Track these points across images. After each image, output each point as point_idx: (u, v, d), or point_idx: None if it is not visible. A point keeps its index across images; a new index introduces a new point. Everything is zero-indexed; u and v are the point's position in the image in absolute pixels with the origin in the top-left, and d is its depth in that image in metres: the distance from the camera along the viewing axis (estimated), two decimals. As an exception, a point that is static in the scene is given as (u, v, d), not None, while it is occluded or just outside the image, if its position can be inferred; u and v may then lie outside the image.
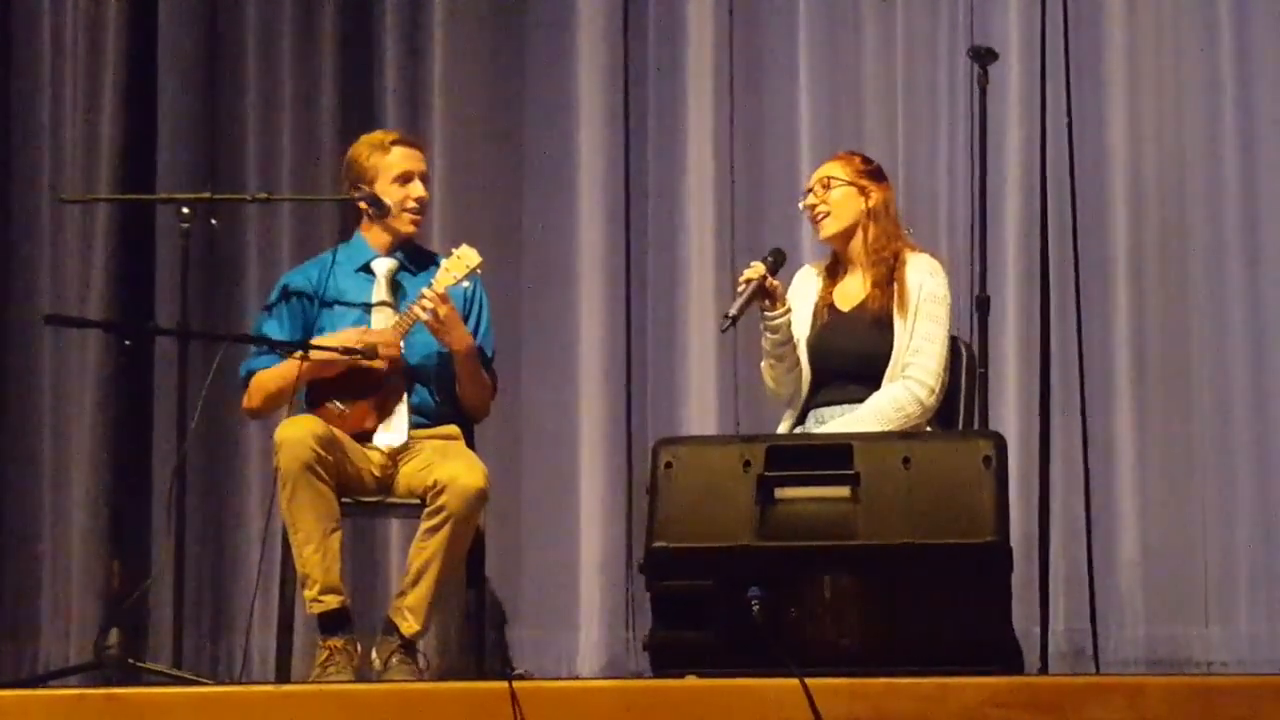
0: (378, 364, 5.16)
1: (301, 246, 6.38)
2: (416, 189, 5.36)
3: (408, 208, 5.36)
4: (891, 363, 5.15)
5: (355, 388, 5.21)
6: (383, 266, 5.37)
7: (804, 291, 5.31)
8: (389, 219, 5.35)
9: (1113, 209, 6.15)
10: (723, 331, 5.20)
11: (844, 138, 6.18)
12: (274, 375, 5.27)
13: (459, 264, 5.23)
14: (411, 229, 5.39)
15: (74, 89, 6.68)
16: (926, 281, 5.20)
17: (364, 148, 5.41)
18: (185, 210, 5.21)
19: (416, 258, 5.43)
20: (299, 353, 5.13)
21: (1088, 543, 5.75)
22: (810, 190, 5.31)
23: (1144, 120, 6.18)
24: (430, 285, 5.21)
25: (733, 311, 5.10)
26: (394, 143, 5.39)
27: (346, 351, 5.11)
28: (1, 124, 6.71)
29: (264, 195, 5.74)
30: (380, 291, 5.34)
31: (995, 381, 5.77)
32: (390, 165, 5.36)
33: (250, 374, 5.31)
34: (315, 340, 5.20)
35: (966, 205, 6.10)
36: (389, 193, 5.34)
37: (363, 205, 5.33)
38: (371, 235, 5.41)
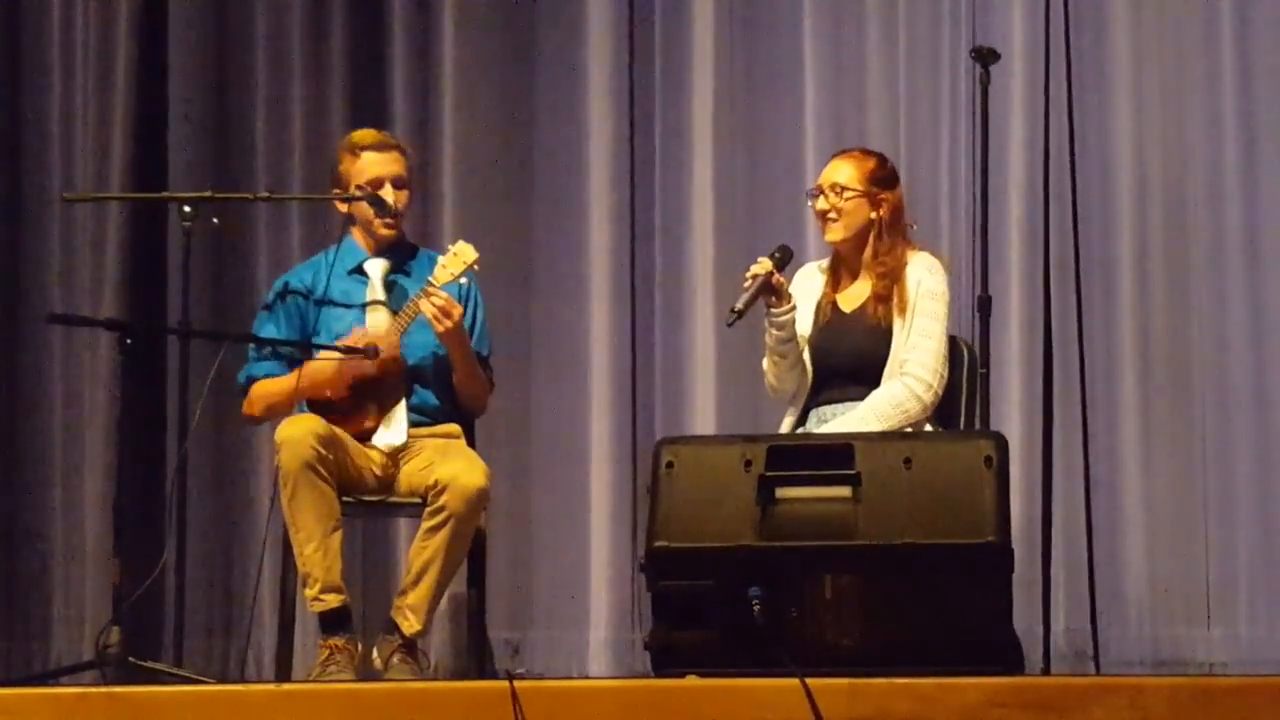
0: (375, 364, 5.16)
1: (311, 246, 6.36)
2: (385, 194, 5.31)
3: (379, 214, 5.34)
4: (890, 360, 5.14)
5: (355, 388, 5.21)
6: (376, 268, 5.35)
7: (807, 290, 5.29)
8: (369, 224, 5.34)
9: (1115, 208, 6.15)
10: (728, 325, 5.17)
11: (847, 138, 6.15)
12: (275, 388, 5.27)
13: (455, 260, 5.22)
14: (387, 233, 5.35)
15: (85, 91, 6.68)
16: (925, 279, 5.18)
17: (340, 151, 5.41)
18: (187, 209, 5.23)
19: (408, 256, 5.41)
20: (299, 369, 5.14)
21: (1089, 543, 5.73)
22: (822, 193, 5.25)
23: (1146, 120, 6.16)
24: (429, 281, 5.20)
25: (739, 306, 5.09)
26: (364, 148, 5.35)
27: (348, 351, 5.11)
28: (13, 125, 6.72)
29: (265, 194, 5.75)
30: (375, 292, 5.33)
31: (998, 381, 5.77)
32: (360, 172, 5.34)
33: (250, 380, 5.32)
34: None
35: (968, 205, 6.10)
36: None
37: (364, 206, 5.31)
38: (360, 237, 5.40)
